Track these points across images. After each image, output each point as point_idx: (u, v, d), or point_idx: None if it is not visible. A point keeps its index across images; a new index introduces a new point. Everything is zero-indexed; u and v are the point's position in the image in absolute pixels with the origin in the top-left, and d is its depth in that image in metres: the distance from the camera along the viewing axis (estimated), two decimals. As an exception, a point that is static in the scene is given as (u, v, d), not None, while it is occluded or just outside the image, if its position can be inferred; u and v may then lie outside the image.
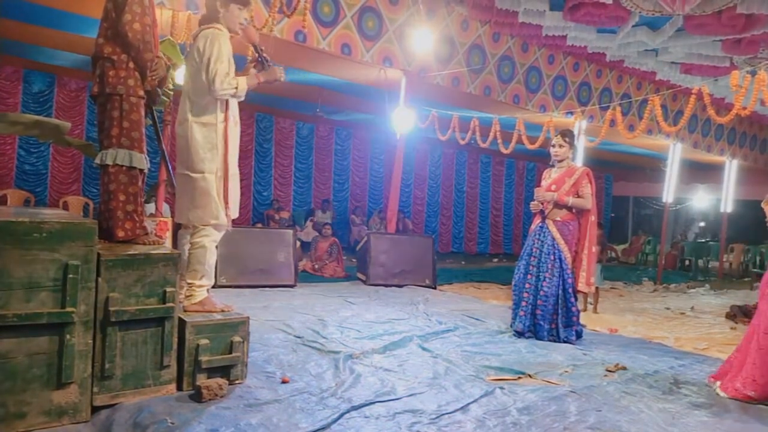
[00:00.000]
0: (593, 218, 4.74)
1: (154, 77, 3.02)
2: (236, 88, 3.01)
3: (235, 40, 3.18)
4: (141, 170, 3.01)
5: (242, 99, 3.13)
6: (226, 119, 3.09)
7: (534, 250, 4.70)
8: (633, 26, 7.95)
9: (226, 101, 3.09)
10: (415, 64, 8.14)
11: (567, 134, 4.81)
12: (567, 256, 4.61)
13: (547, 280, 4.57)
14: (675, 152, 11.82)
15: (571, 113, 10.10)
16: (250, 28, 3.33)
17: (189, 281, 3.08)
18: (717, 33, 7.53)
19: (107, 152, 2.90)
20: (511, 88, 9.55)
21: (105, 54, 2.90)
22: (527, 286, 4.65)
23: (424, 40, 7.72)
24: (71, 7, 6.10)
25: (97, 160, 2.96)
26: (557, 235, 4.63)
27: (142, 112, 3.01)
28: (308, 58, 7.63)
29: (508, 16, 8.00)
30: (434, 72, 8.41)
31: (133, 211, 2.97)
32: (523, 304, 4.64)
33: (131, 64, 2.92)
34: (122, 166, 2.91)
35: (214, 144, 3.05)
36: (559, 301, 4.57)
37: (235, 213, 3.19)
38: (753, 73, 6.20)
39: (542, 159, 14.50)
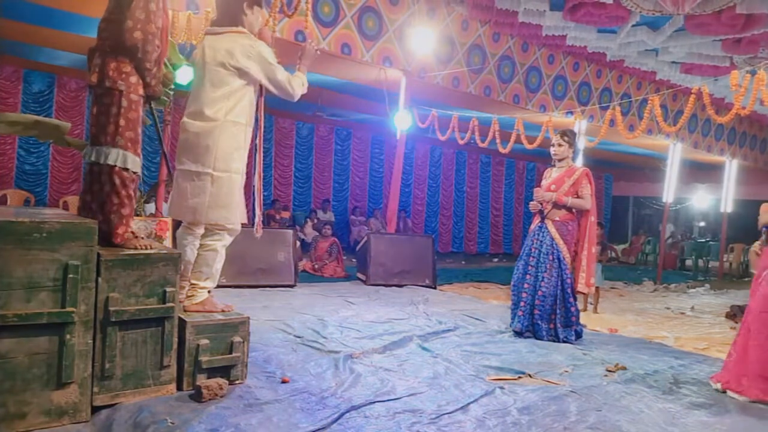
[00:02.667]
0: (593, 218, 4.74)
1: (156, 87, 2.91)
2: (304, 84, 3.22)
3: None
4: (135, 173, 2.87)
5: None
6: (255, 121, 3.15)
7: (533, 249, 4.69)
8: (633, 26, 7.96)
9: (257, 104, 3.15)
10: (415, 64, 8.14)
11: (567, 133, 4.80)
12: (566, 256, 4.61)
13: (546, 279, 4.56)
14: (675, 152, 11.83)
15: (571, 113, 10.11)
16: (266, 29, 3.34)
17: (193, 282, 3.08)
18: (717, 33, 7.53)
19: (101, 150, 2.76)
20: (511, 88, 9.55)
21: (107, 47, 2.77)
22: (526, 285, 4.65)
23: (424, 40, 7.73)
24: (71, 7, 6.10)
25: (91, 157, 2.78)
26: (556, 235, 4.63)
27: (140, 111, 2.89)
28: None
29: (508, 16, 8.00)
30: (434, 72, 8.41)
31: (128, 215, 2.85)
32: (522, 304, 4.64)
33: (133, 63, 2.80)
34: (114, 166, 2.76)
35: (241, 144, 3.07)
36: (558, 301, 4.57)
37: (242, 217, 3.19)
38: (753, 73, 6.20)
39: (542, 159, 14.51)
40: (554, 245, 4.61)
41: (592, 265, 4.76)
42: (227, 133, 3.01)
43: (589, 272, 4.70)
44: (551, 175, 4.83)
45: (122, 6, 2.75)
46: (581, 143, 9.54)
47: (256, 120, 3.23)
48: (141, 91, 2.85)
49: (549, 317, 4.56)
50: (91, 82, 2.79)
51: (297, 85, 3.19)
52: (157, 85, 2.92)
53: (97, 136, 2.79)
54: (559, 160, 4.78)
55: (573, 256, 4.68)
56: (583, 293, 5.12)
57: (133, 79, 2.79)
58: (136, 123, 2.85)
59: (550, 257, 4.59)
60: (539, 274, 4.60)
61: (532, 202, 4.78)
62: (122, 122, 2.78)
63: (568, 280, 4.60)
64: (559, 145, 4.74)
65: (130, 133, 2.81)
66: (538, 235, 4.70)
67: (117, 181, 2.79)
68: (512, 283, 4.80)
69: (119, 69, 2.76)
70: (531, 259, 4.68)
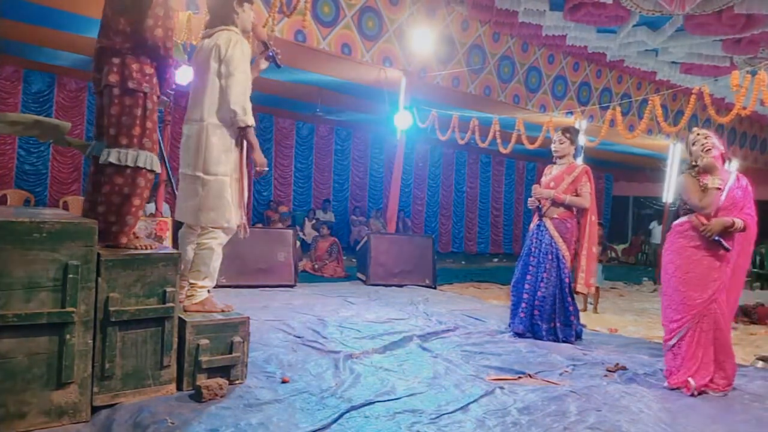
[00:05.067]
0: (593, 218, 4.69)
1: (171, 78, 2.93)
2: (249, 126, 2.99)
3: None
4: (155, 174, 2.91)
5: (249, 127, 3.04)
6: None
7: (533, 249, 4.64)
8: (633, 26, 7.96)
9: None
10: (415, 64, 8.14)
11: (568, 130, 4.73)
12: (565, 254, 4.56)
13: (545, 280, 4.52)
14: (675, 152, 11.82)
15: (571, 113, 10.11)
16: (259, 26, 3.34)
17: (191, 281, 3.08)
18: (717, 33, 7.54)
19: (126, 152, 2.70)
20: (511, 88, 9.55)
21: (127, 47, 2.70)
22: (527, 286, 4.60)
23: (424, 40, 7.73)
24: (71, 7, 6.10)
25: (113, 159, 2.70)
26: (555, 233, 4.58)
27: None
28: (308, 58, 7.64)
29: (508, 16, 8.01)
30: (434, 72, 8.41)
31: (138, 218, 2.87)
32: (523, 305, 4.59)
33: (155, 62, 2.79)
34: (142, 168, 2.74)
35: (229, 146, 3.05)
36: (557, 300, 4.53)
37: (237, 217, 3.18)
38: (753, 73, 6.20)
39: (542, 159, 14.50)
40: (553, 243, 4.57)
41: (592, 265, 4.72)
42: (215, 135, 3.00)
43: (588, 272, 4.65)
44: (551, 172, 4.76)
45: (142, 5, 2.70)
46: (581, 143, 9.54)
47: None
48: (158, 92, 2.84)
49: (549, 317, 4.53)
50: (110, 82, 2.70)
51: (247, 109, 2.97)
52: (172, 77, 2.96)
53: (118, 137, 2.72)
54: (560, 158, 4.71)
55: (572, 254, 4.64)
56: (583, 293, 5.08)
57: (155, 80, 2.79)
58: (157, 124, 2.87)
59: (549, 256, 4.55)
60: (539, 274, 4.56)
61: (530, 199, 4.75)
62: (149, 124, 2.77)
63: (567, 279, 4.55)
64: (561, 142, 4.68)
65: (155, 135, 2.84)
66: (537, 234, 4.66)
67: (142, 183, 2.79)
68: (512, 283, 4.77)
69: (142, 70, 2.73)
70: (531, 258, 4.63)
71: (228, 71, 2.97)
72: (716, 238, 3.26)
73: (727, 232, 3.27)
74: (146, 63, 2.75)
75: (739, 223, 3.26)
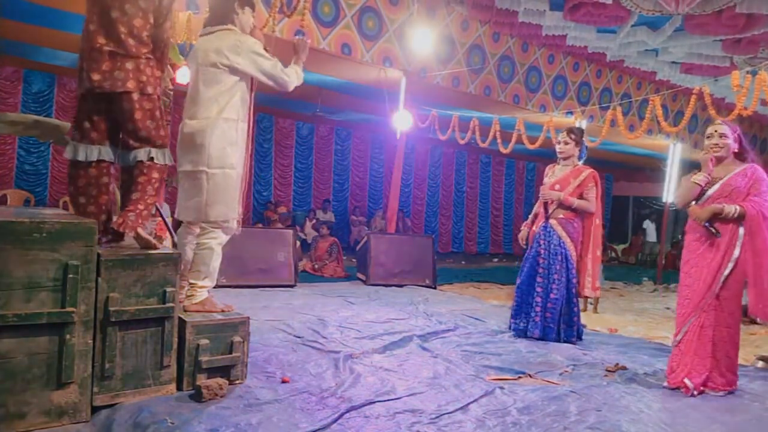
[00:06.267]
0: (598, 221, 4.64)
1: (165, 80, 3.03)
2: (299, 74, 3.29)
3: None
4: None
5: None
6: (247, 118, 3.16)
7: (541, 251, 4.56)
8: (633, 26, 7.96)
9: (249, 101, 3.16)
10: (415, 64, 8.14)
11: (573, 131, 4.66)
12: (573, 254, 4.50)
13: (556, 282, 4.46)
14: (675, 152, 11.83)
15: (571, 113, 10.11)
16: (257, 30, 3.36)
17: (191, 281, 3.08)
18: (717, 33, 7.54)
19: (165, 151, 2.84)
20: (511, 88, 9.56)
21: (144, 52, 2.73)
22: (539, 290, 4.52)
23: (424, 40, 7.73)
24: (71, 7, 6.10)
25: (148, 157, 2.77)
26: (562, 233, 4.52)
27: None
28: (308, 58, 7.61)
29: (508, 15, 8.01)
30: (434, 72, 8.41)
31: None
32: (537, 309, 4.51)
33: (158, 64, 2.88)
34: (166, 164, 2.88)
35: (233, 140, 3.07)
36: (564, 301, 4.50)
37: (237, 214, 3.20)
38: (753, 73, 6.20)
39: (543, 159, 14.52)
40: (561, 243, 4.51)
41: (597, 267, 4.68)
42: (219, 129, 3.02)
43: (594, 276, 4.60)
44: (555, 173, 4.69)
45: (165, 9, 2.78)
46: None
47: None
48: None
49: (559, 319, 4.50)
50: (129, 88, 2.70)
51: (291, 73, 3.23)
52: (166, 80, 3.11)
53: (152, 139, 2.81)
54: (564, 159, 4.65)
55: (578, 255, 4.58)
56: (589, 297, 5.03)
57: (160, 81, 2.89)
58: None
59: (559, 257, 4.48)
60: (550, 276, 4.49)
61: (539, 202, 4.71)
62: (166, 124, 2.90)
63: (574, 280, 4.51)
64: (565, 143, 4.60)
65: None
66: (544, 235, 4.58)
67: (161, 177, 2.91)
68: (517, 284, 4.71)
69: (154, 75, 2.81)
70: (541, 260, 4.55)
71: (261, 69, 3.08)
72: (706, 224, 3.29)
73: (717, 218, 3.28)
74: (158, 68, 2.83)
75: (729, 209, 3.23)
